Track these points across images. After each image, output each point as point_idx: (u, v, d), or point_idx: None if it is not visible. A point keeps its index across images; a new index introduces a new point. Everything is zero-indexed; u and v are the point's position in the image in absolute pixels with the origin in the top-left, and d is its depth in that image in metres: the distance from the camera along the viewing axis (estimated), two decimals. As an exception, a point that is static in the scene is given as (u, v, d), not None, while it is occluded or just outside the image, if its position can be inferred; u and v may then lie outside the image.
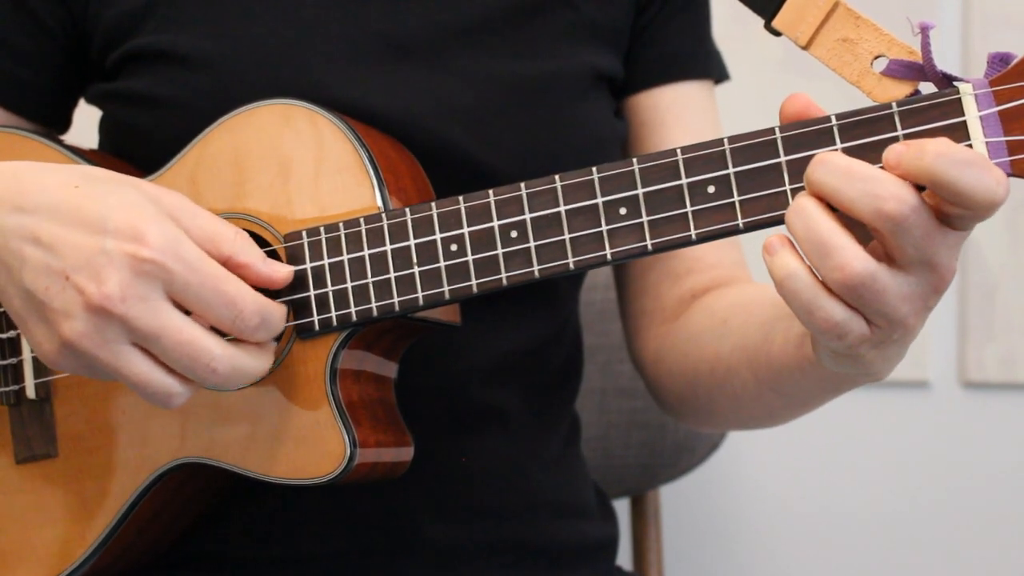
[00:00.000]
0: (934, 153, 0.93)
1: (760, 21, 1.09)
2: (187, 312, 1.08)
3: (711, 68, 1.45)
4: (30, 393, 1.24)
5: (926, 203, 0.95)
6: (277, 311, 1.11)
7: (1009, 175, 0.95)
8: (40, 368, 1.24)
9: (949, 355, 2.15)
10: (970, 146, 0.96)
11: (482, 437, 1.32)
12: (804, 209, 0.97)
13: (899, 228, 0.95)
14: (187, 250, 1.07)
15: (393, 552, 1.29)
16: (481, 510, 1.32)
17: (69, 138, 1.35)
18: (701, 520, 2.17)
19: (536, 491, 1.35)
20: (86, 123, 1.40)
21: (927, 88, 1.00)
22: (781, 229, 1.04)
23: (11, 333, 1.25)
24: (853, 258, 0.95)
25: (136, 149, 1.28)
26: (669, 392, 1.40)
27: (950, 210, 0.95)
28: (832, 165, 0.96)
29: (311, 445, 1.14)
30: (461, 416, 1.31)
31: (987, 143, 0.95)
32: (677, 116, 1.40)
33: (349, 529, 1.28)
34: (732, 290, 1.36)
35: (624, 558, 1.72)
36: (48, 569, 1.23)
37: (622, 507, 1.89)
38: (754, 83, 1.95)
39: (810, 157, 0.99)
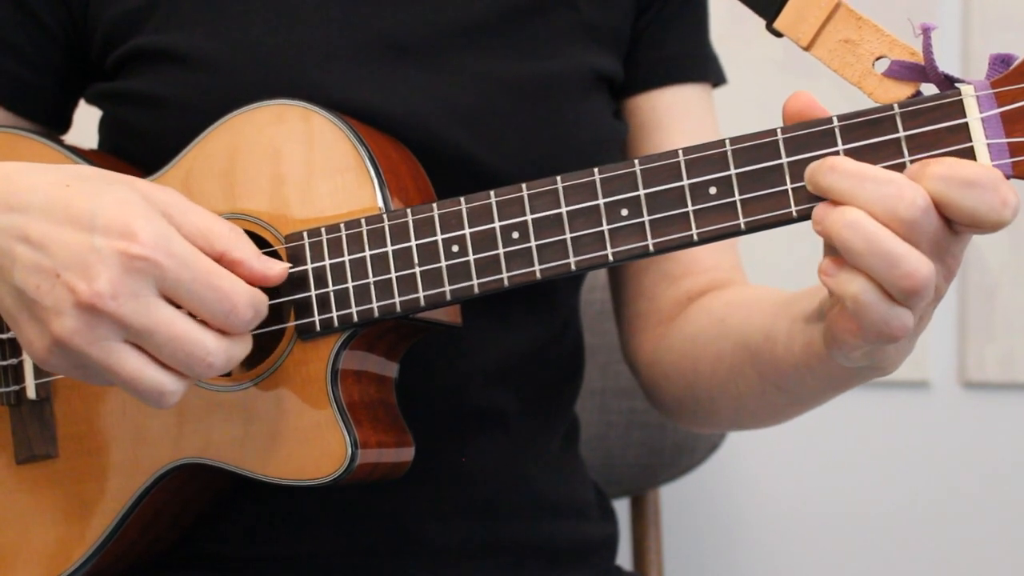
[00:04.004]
0: (934, 176, 0.93)
1: (761, 23, 1.09)
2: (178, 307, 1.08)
3: (709, 72, 1.45)
4: (30, 393, 1.24)
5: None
6: (266, 303, 1.11)
7: (1010, 176, 0.96)
8: (40, 369, 1.24)
9: (949, 355, 2.15)
10: (971, 148, 0.96)
11: (482, 438, 1.32)
12: (859, 222, 0.96)
13: (913, 228, 0.95)
14: (178, 246, 1.06)
15: (393, 552, 1.29)
16: (481, 510, 1.32)
17: (69, 138, 1.35)
18: (701, 520, 2.17)
19: (536, 491, 1.35)
20: (86, 123, 1.39)
21: (929, 90, 1.00)
22: (783, 230, 1.04)
23: (11, 334, 1.25)
24: (920, 263, 0.96)
25: (136, 149, 1.28)
26: (666, 394, 1.40)
27: (957, 228, 0.96)
28: (843, 170, 0.97)
29: (312, 446, 1.14)
30: (461, 417, 1.31)
31: (988, 144, 0.95)
32: (675, 118, 1.40)
33: (349, 529, 1.28)
34: (729, 291, 1.36)
35: (624, 558, 1.72)
36: (48, 570, 1.23)
37: (622, 507, 1.89)
38: (754, 84, 1.95)
39: (812, 158, 0.99)
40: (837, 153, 0.99)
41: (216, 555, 1.29)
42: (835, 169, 0.97)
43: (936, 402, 2.15)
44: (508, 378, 1.32)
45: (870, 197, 0.95)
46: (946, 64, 0.98)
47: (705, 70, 1.44)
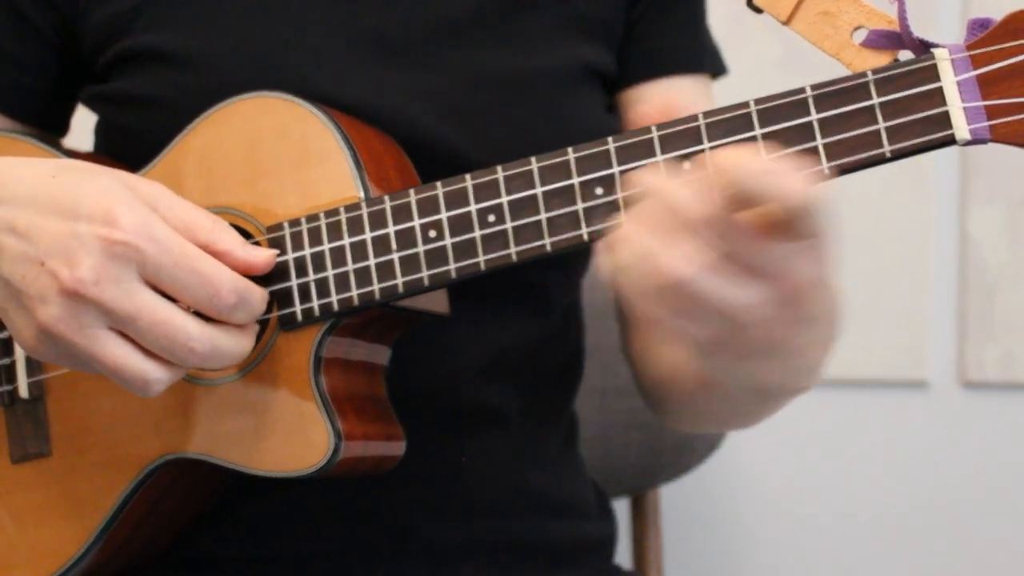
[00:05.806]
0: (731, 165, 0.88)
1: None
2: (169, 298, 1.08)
3: (704, 62, 1.43)
4: (23, 392, 1.24)
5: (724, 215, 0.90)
6: (256, 292, 1.11)
7: (989, 141, 0.95)
8: (32, 367, 1.24)
9: (949, 355, 2.15)
10: (946, 113, 0.95)
11: (480, 436, 1.31)
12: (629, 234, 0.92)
13: (695, 227, 0.90)
14: (160, 231, 1.06)
15: (391, 551, 1.28)
16: (479, 509, 1.31)
17: (69, 141, 1.36)
18: (701, 520, 2.17)
19: (534, 490, 1.35)
20: (86, 125, 1.39)
21: (908, 57, 0.99)
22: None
23: (4, 334, 1.25)
24: (674, 259, 0.89)
25: (130, 150, 1.28)
26: (648, 393, 1.41)
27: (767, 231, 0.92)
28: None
29: (296, 437, 1.14)
30: (459, 415, 1.30)
31: (964, 108, 0.94)
32: (669, 111, 1.39)
33: (348, 528, 1.28)
34: None
35: (624, 558, 1.72)
36: (44, 567, 1.23)
37: (622, 507, 1.89)
38: (752, 83, 1.95)
39: (786, 129, 0.98)
40: (810, 124, 0.98)
41: (216, 555, 1.29)
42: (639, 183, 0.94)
43: (935, 402, 2.15)
44: (504, 374, 1.32)
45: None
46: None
47: (700, 61, 1.43)
